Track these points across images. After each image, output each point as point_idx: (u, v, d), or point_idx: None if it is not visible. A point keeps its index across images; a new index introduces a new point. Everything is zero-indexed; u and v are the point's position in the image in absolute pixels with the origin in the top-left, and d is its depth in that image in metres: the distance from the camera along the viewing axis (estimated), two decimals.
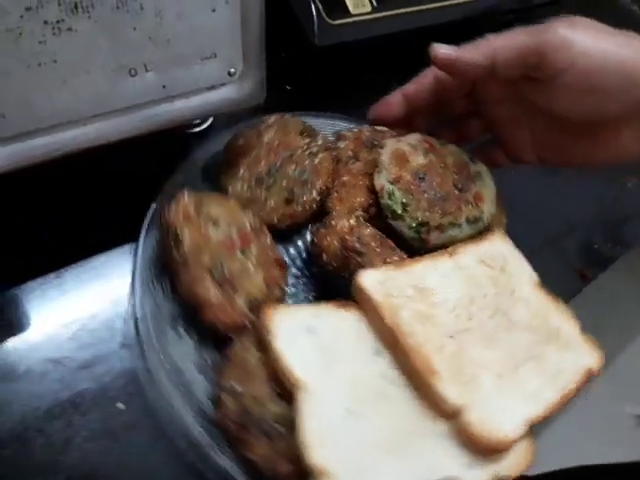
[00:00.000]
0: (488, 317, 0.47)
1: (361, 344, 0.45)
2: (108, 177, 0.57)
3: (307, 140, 0.55)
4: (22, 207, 0.54)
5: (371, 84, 0.71)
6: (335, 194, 0.53)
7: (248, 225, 0.49)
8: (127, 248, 0.54)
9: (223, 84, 0.50)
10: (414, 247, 0.52)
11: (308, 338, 0.44)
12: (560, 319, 0.50)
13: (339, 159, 0.55)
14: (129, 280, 0.54)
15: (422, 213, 0.51)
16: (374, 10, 0.67)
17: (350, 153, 0.55)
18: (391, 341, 0.44)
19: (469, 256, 0.51)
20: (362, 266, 0.47)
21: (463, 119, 0.60)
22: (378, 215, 0.53)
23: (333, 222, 0.50)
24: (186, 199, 0.49)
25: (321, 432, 0.39)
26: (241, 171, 0.54)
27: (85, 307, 0.52)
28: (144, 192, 0.57)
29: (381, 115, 0.58)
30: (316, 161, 0.53)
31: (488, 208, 0.54)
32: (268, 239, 0.50)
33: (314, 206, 0.53)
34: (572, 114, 0.50)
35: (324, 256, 0.49)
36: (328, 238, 0.49)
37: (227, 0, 0.45)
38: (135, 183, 0.57)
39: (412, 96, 0.57)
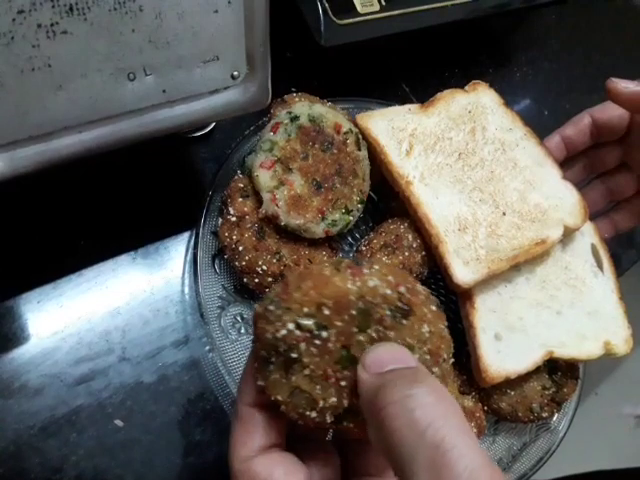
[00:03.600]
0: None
1: None
2: (105, 184, 0.55)
3: None
4: (17, 216, 0.52)
5: (380, 86, 0.69)
6: None
7: None
8: (124, 258, 0.53)
9: (226, 88, 0.47)
10: None
11: None
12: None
13: None
14: (127, 290, 0.52)
15: None
16: (382, 9, 0.64)
17: None
18: None
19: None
20: None
21: (614, 174, 0.60)
22: None
23: None
24: None
25: None
26: None
27: (82, 319, 0.50)
28: (143, 200, 0.56)
29: None
30: None
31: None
32: None
33: None
34: None
35: None
36: None
37: (230, 0, 0.43)
38: (133, 191, 0.56)
39: (570, 138, 0.59)
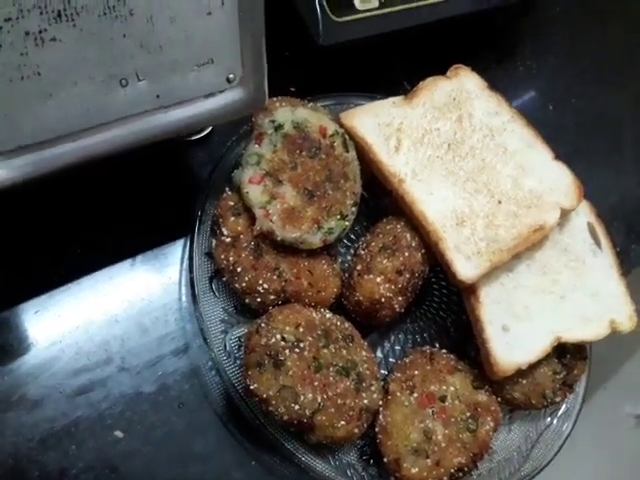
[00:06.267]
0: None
1: None
2: (101, 190, 0.54)
3: None
4: (12, 225, 0.51)
5: (381, 84, 0.68)
6: None
7: None
8: (122, 265, 0.52)
9: (222, 91, 0.46)
10: None
11: None
12: None
13: None
14: (125, 298, 0.52)
15: None
16: (382, 5, 0.63)
17: None
18: None
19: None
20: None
21: None
22: None
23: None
24: None
25: None
26: None
27: (81, 329, 0.50)
28: (139, 205, 0.55)
29: None
30: None
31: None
32: None
33: None
34: None
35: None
36: None
37: (223, 2, 0.42)
38: (129, 196, 0.55)
39: None
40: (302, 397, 0.44)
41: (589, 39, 0.85)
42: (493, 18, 0.82)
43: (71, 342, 0.49)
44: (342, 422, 0.45)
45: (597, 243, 0.59)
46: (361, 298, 0.50)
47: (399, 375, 0.52)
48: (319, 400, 0.45)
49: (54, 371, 0.48)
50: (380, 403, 0.49)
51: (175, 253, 0.54)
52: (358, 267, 0.51)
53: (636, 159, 0.80)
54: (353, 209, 0.52)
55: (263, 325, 0.46)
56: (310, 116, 0.52)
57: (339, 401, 0.45)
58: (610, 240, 0.59)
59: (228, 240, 0.49)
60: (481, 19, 0.78)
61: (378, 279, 0.50)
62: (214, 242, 0.50)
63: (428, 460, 0.48)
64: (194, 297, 0.50)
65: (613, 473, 1.07)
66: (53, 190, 0.50)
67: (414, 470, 0.47)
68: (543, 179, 0.56)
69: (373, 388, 0.48)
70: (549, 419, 0.58)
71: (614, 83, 0.83)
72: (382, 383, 0.51)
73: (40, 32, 0.36)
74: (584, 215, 0.59)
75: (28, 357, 0.48)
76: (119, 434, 0.47)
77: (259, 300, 0.49)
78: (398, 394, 0.50)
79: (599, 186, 0.63)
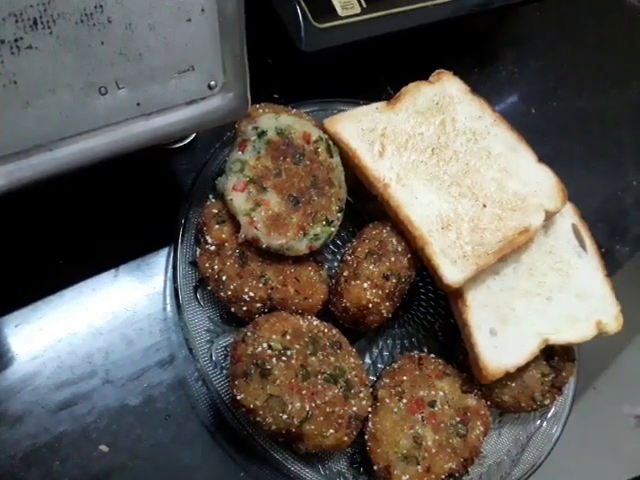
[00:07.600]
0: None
1: None
2: (84, 200, 0.53)
3: None
4: None
5: (364, 89, 0.68)
6: None
7: None
8: (105, 276, 0.51)
9: (203, 98, 0.46)
10: None
11: None
12: None
13: None
14: (109, 310, 0.51)
15: None
16: (363, 11, 0.63)
17: None
18: None
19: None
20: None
21: None
22: None
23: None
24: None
25: None
26: None
27: (63, 342, 0.49)
28: (122, 215, 0.54)
29: None
30: None
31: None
32: None
33: None
34: None
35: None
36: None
37: (203, 8, 0.41)
38: (113, 206, 0.54)
39: None
40: (290, 406, 0.44)
41: (570, 44, 0.86)
42: (475, 23, 0.83)
43: (53, 355, 0.48)
44: (331, 430, 0.45)
45: (582, 245, 0.59)
46: (348, 304, 0.50)
47: (388, 381, 0.51)
48: (307, 409, 0.44)
49: (36, 385, 0.46)
50: (369, 410, 0.49)
51: (159, 262, 0.54)
52: (345, 273, 0.51)
53: (618, 161, 0.80)
54: (339, 215, 0.52)
55: (249, 334, 0.46)
56: (294, 122, 0.51)
57: (328, 409, 0.45)
58: (595, 241, 0.60)
59: (212, 248, 0.48)
60: (463, 24, 0.79)
61: (365, 284, 0.50)
62: (198, 251, 0.49)
63: (418, 466, 0.47)
64: (179, 307, 0.49)
65: (608, 473, 1.06)
66: (34, 200, 0.49)
67: (405, 477, 0.47)
68: (527, 182, 0.57)
69: (362, 395, 0.48)
70: (539, 422, 0.58)
71: (594, 86, 0.84)
72: (371, 390, 0.51)
73: (16, 40, 0.35)
74: (568, 217, 0.60)
75: (9, 372, 0.47)
76: (104, 448, 0.46)
77: (245, 308, 0.48)
78: (387, 400, 0.50)
79: (582, 188, 0.63)
